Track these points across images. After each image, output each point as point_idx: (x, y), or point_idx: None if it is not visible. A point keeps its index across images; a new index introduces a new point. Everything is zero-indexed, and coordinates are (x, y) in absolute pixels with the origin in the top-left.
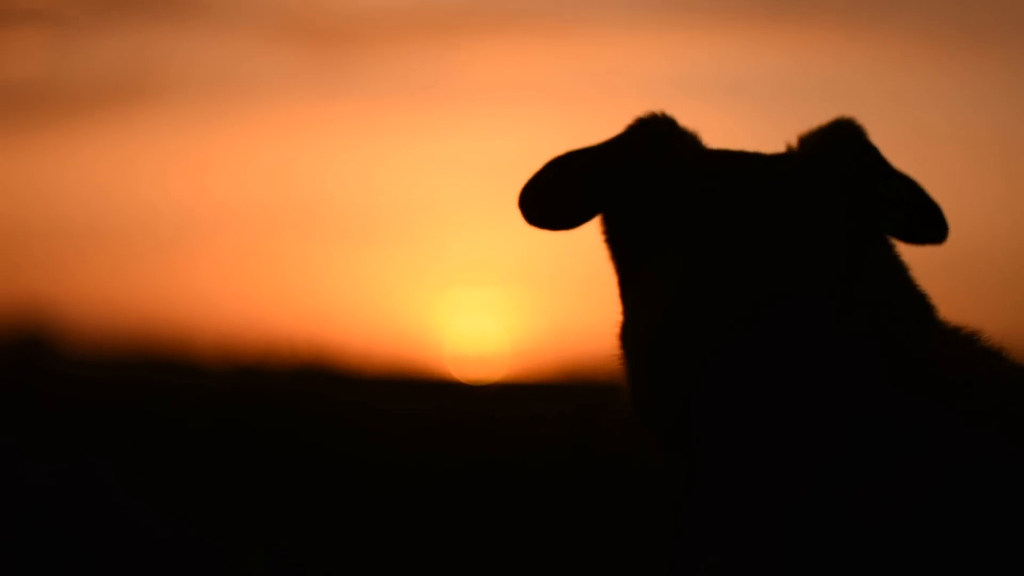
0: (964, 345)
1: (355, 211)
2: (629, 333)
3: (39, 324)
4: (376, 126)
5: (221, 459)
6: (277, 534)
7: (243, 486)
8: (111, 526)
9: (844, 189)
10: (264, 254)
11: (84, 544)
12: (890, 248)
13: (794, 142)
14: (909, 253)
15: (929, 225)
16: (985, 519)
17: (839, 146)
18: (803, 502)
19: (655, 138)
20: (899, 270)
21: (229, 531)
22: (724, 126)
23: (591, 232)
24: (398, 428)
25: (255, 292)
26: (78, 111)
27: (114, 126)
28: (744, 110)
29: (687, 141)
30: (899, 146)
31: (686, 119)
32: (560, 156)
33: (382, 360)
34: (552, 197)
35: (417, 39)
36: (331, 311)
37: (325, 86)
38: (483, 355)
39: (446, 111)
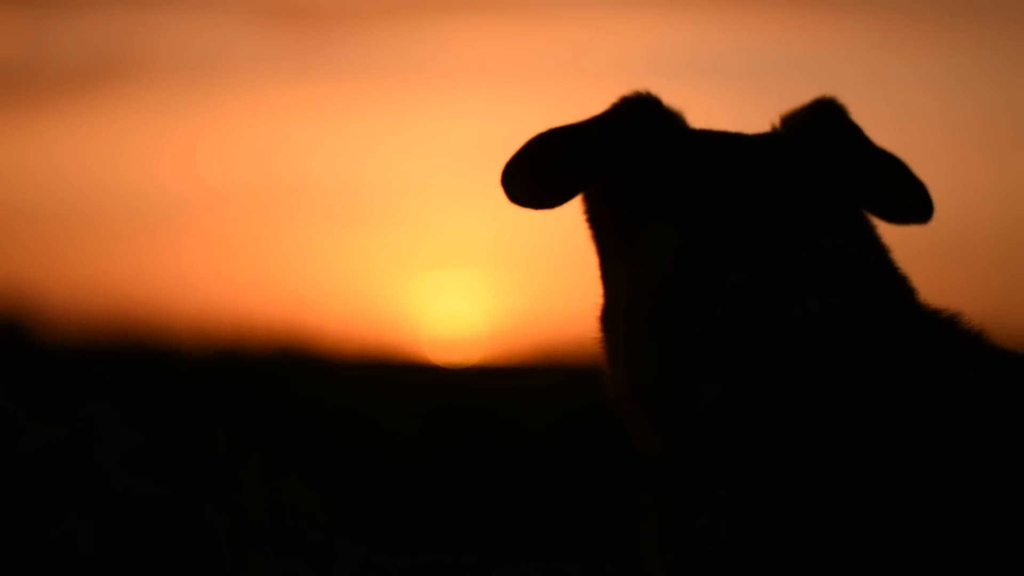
0: (946, 327)
1: (334, 193)
2: (617, 309)
3: (18, 307)
4: (355, 108)
5: (202, 441)
6: (262, 513)
7: (225, 469)
8: (96, 504)
9: (826, 166)
10: (242, 236)
11: (71, 521)
12: (872, 227)
13: (777, 122)
14: (890, 234)
15: (914, 204)
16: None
17: (821, 124)
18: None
19: (641, 116)
20: (881, 250)
21: (213, 513)
22: (704, 105)
23: (568, 213)
24: (377, 410)
25: (233, 274)
26: (57, 93)
27: (91, 108)
28: (724, 89)
29: (672, 119)
30: (881, 125)
31: (666, 99)
32: (543, 133)
33: (360, 342)
34: (536, 175)
35: (398, 20)
36: (309, 293)
37: (305, 67)
38: (461, 337)
39: (426, 92)
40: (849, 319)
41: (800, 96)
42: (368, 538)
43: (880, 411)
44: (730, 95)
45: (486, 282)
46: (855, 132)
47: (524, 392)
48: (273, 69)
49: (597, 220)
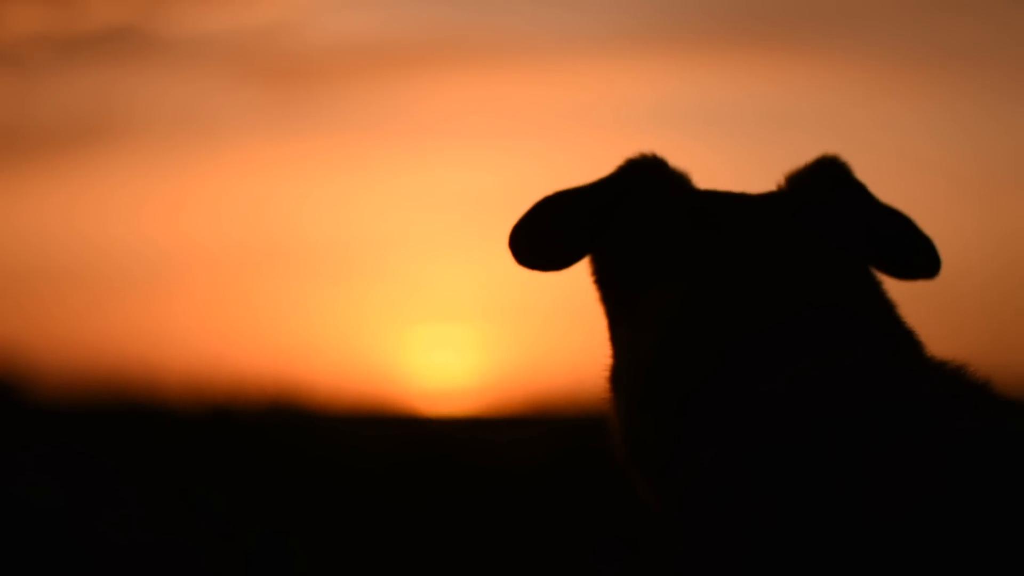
0: (949, 380)
1: (322, 247)
2: (620, 375)
3: (7, 367)
4: (342, 162)
5: (196, 498)
6: (256, 567)
7: (218, 524)
8: (91, 561)
9: (828, 225)
10: (231, 292)
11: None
12: (878, 283)
13: (781, 180)
14: (899, 286)
15: (920, 260)
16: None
17: (823, 182)
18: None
19: (647, 178)
20: (884, 306)
21: (208, 568)
22: (702, 156)
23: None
24: (368, 464)
25: (223, 330)
26: (42, 153)
27: (77, 167)
28: (722, 140)
29: (676, 181)
30: (883, 171)
31: (658, 150)
32: (550, 196)
33: (351, 397)
34: (543, 238)
35: (382, 74)
36: (300, 348)
37: (290, 123)
38: (451, 390)
39: (413, 145)
40: (843, 377)
41: (802, 143)
42: None
43: (867, 469)
44: (728, 144)
45: (475, 335)
46: (858, 189)
47: (514, 443)
48: (258, 126)
49: (605, 281)
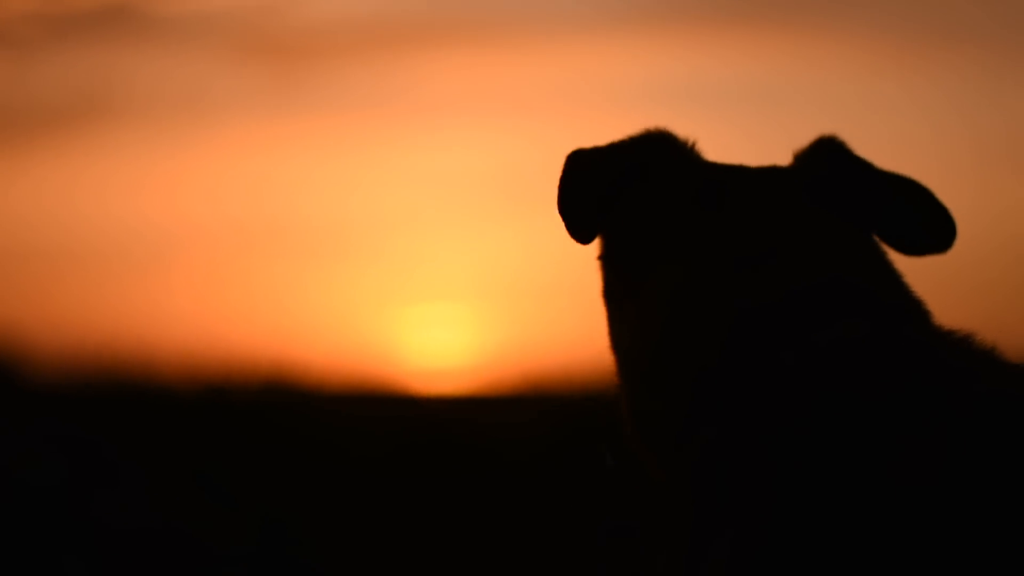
0: (957, 347)
1: (318, 227)
2: (628, 345)
3: (2, 346)
4: (338, 142)
5: (192, 477)
6: (253, 547)
7: (215, 504)
8: (89, 541)
9: (836, 199)
10: (227, 272)
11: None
12: (884, 255)
13: (786, 159)
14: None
15: (929, 233)
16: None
17: (827, 158)
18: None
19: (653, 154)
20: (891, 277)
21: (205, 548)
22: (696, 135)
23: (550, 244)
24: (364, 443)
25: (219, 310)
26: (38, 132)
27: (72, 147)
28: (716, 118)
29: (685, 155)
30: (876, 151)
31: (641, 127)
32: (573, 164)
33: (346, 376)
34: (576, 207)
35: (379, 53)
36: (295, 328)
37: (288, 102)
38: (447, 369)
39: (410, 125)
40: (852, 349)
41: (795, 123)
42: (357, 570)
43: (879, 435)
44: (726, 122)
45: (470, 314)
46: (861, 164)
47: (510, 423)
48: (256, 105)
49: (609, 260)
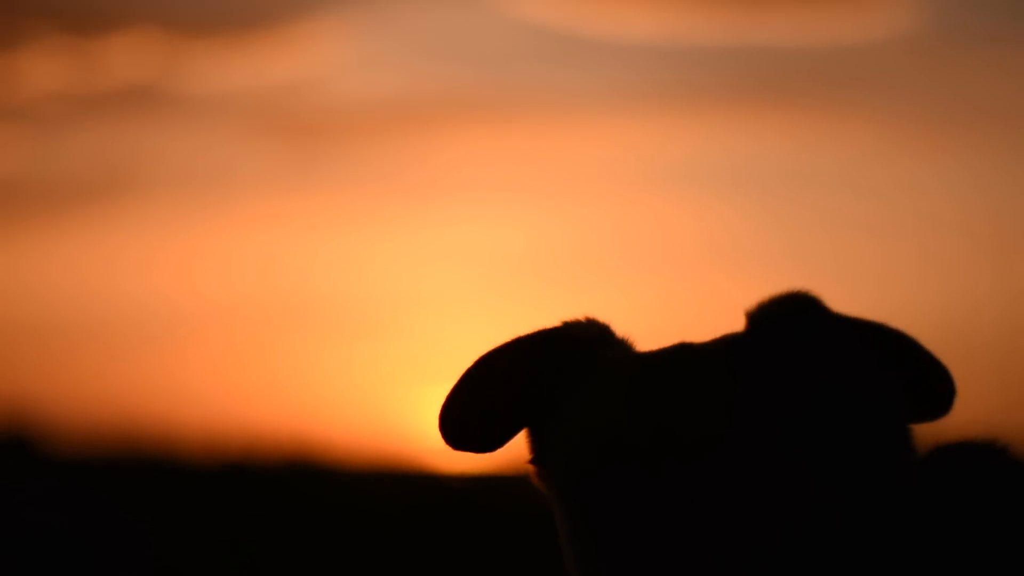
0: None
1: (337, 304)
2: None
3: (22, 422)
4: (358, 219)
5: (212, 553)
6: None
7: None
8: None
9: (815, 385)
10: (247, 347)
11: None
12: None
13: (743, 319)
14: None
15: (929, 394)
16: None
17: (793, 330)
18: None
19: (580, 354)
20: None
21: None
22: (718, 214)
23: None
24: (385, 520)
25: (239, 386)
26: (57, 208)
27: (92, 223)
28: (741, 197)
29: (619, 349)
30: (902, 231)
31: (666, 207)
32: (475, 367)
33: (367, 453)
34: (470, 418)
35: (399, 130)
36: (315, 405)
37: (307, 179)
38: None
39: (429, 202)
40: None
41: (825, 201)
42: None
43: None
44: (738, 202)
45: None
46: (839, 330)
47: (531, 499)
48: (275, 182)
49: (541, 464)
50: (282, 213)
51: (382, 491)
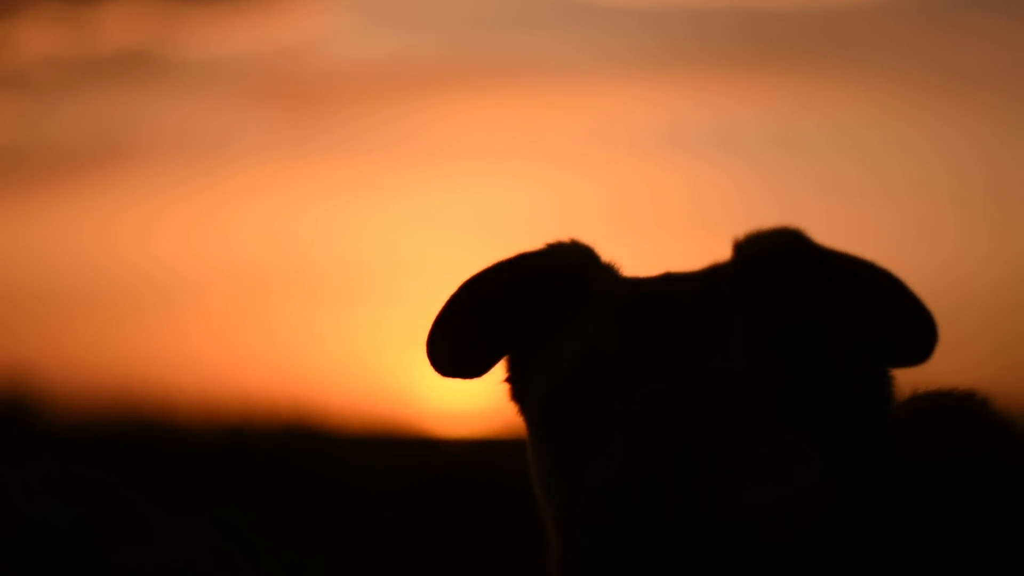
0: None
1: (335, 269)
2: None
3: (20, 390)
4: (355, 184)
5: (208, 518)
6: None
7: (231, 545)
8: None
9: (792, 318)
10: (245, 314)
11: None
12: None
13: (730, 249)
14: None
15: (907, 335)
16: None
17: (779, 265)
18: None
19: (567, 269)
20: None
21: None
22: (714, 178)
23: None
24: (382, 485)
25: (237, 352)
26: (56, 175)
27: (90, 190)
28: (734, 162)
29: (605, 272)
30: (894, 195)
31: (658, 171)
32: (462, 289)
33: (365, 418)
34: (458, 342)
35: (395, 96)
36: (313, 370)
37: (304, 145)
38: (465, 411)
39: (428, 168)
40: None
41: (815, 166)
42: None
43: None
44: (734, 166)
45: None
46: (824, 265)
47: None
48: (271, 148)
49: (520, 399)
50: (279, 178)
51: (379, 456)
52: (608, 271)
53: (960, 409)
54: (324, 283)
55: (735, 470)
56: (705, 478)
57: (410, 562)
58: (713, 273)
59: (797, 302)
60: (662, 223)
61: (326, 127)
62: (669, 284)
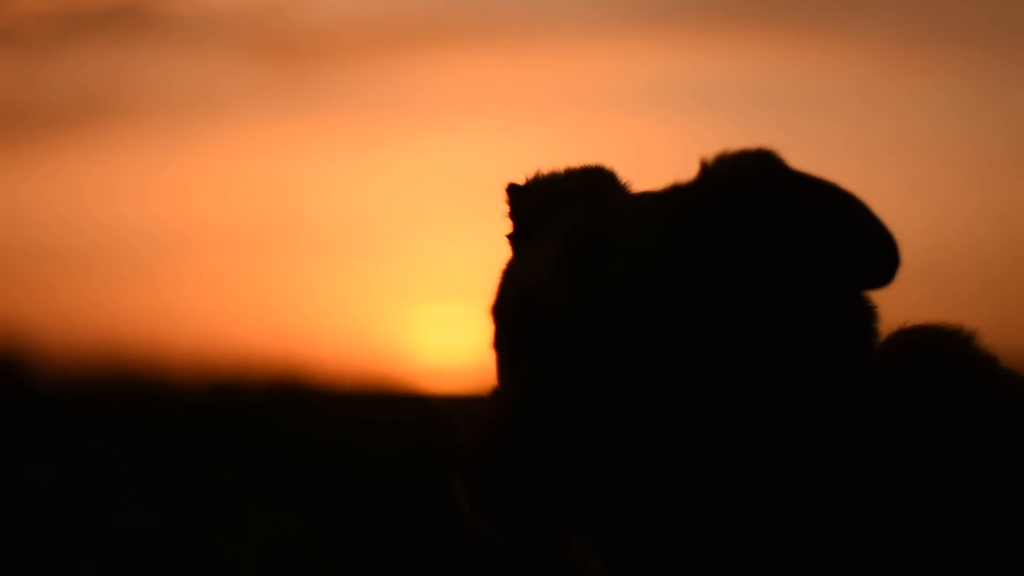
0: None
1: (327, 227)
2: None
3: (11, 345)
4: (348, 141)
5: (200, 476)
6: (261, 547)
7: (223, 503)
8: (97, 540)
9: (752, 240)
10: (236, 271)
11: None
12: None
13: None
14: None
15: (867, 258)
16: None
17: (745, 188)
18: None
19: (588, 190)
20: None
21: (213, 548)
22: (698, 135)
23: None
24: (373, 442)
25: (227, 309)
26: (46, 131)
27: (82, 146)
28: (720, 119)
29: (619, 194)
30: (879, 153)
31: (658, 128)
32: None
33: (356, 375)
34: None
35: (390, 52)
36: (304, 328)
37: (296, 102)
38: (457, 368)
39: (419, 124)
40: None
41: (797, 124)
42: (364, 570)
43: None
44: (723, 123)
45: (480, 313)
46: (792, 186)
47: None
48: (264, 104)
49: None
50: (271, 134)
51: (370, 412)
52: (622, 192)
53: (942, 348)
54: (315, 239)
55: (661, 390)
56: (622, 399)
57: (399, 520)
58: (675, 195)
59: (760, 225)
60: (650, 180)
61: (318, 82)
62: (634, 207)
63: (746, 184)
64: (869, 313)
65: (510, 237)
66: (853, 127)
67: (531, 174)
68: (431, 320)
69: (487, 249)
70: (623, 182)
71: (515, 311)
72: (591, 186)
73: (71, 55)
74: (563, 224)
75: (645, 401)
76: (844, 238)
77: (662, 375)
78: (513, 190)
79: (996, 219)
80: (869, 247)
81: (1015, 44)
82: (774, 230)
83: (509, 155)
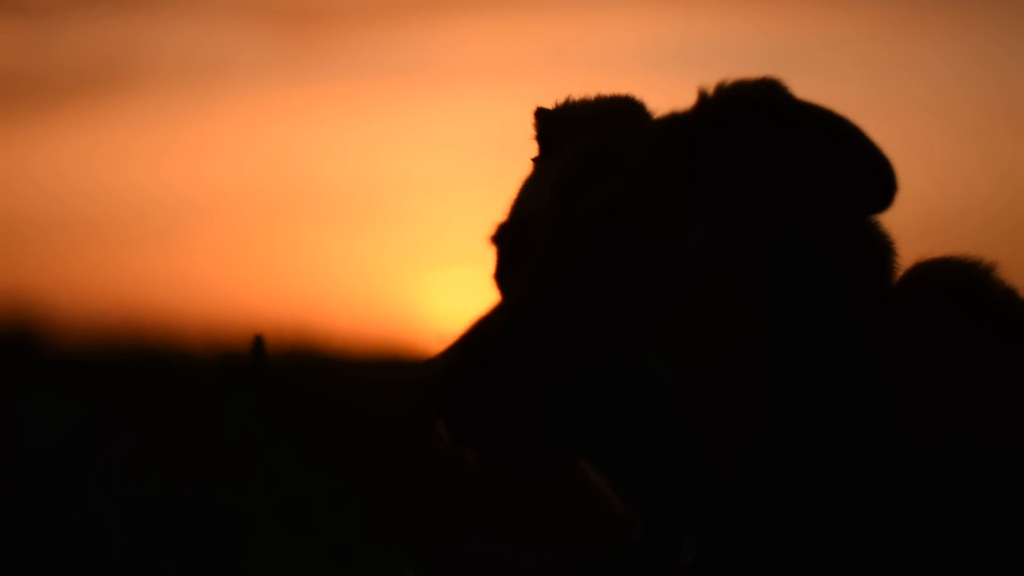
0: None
1: (340, 193)
2: None
3: (24, 315)
4: (360, 108)
5: (214, 444)
6: (277, 514)
7: (237, 471)
8: (112, 508)
9: (748, 169)
10: (249, 238)
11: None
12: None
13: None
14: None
15: (874, 185)
16: None
17: (742, 118)
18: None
19: (616, 117)
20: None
21: (228, 515)
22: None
23: None
24: (387, 408)
25: (241, 276)
26: (59, 100)
27: (94, 114)
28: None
29: (643, 122)
30: (887, 112)
31: (664, 93)
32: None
33: (369, 340)
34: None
35: (403, 17)
36: (318, 293)
37: (310, 68)
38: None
39: (433, 89)
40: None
41: (802, 84)
42: (379, 534)
43: None
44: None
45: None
46: (788, 114)
47: None
48: (276, 71)
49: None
50: (283, 101)
51: (383, 377)
52: (643, 121)
53: (959, 279)
54: (328, 206)
55: (643, 313)
56: (604, 321)
57: (412, 484)
58: (671, 120)
59: (752, 146)
60: None
61: (333, 48)
62: (636, 134)
63: (739, 106)
64: (881, 243)
65: (534, 160)
66: (852, 88)
67: (561, 100)
68: (444, 285)
69: (498, 212)
70: (649, 111)
71: (510, 235)
72: (616, 114)
73: (83, 24)
74: (568, 151)
75: (626, 324)
76: (840, 160)
77: (644, 298)
78: (541, 114)
79: (998, 180)
80: (865, 169)
81: (1015, 7)
82: (766, 151)
83: (521, 120)
